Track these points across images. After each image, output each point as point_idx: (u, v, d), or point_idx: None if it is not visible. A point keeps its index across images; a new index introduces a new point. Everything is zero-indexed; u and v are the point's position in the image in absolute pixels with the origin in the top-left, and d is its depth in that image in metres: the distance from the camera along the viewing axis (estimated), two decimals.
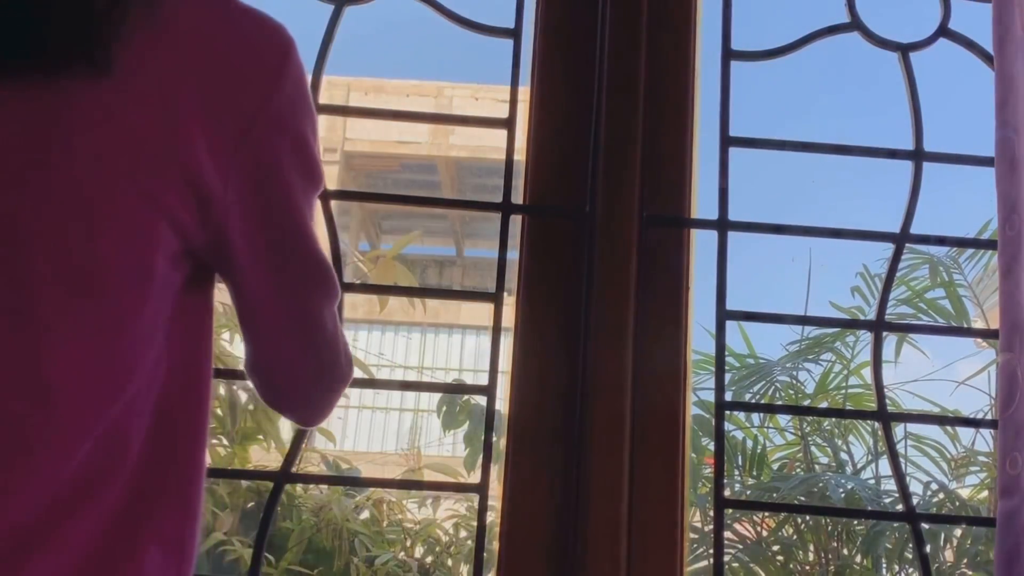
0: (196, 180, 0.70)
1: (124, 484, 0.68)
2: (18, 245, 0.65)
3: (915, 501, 2.00)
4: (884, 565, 2.90)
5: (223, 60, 0.72)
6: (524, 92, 1.37)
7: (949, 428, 3.12)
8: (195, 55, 0.71)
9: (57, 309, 0.65)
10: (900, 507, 1.73)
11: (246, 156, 0.72)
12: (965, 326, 3.10)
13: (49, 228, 0.66)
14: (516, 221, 1.34)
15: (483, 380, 1.28)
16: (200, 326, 0.76)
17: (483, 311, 1.34)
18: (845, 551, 2.95)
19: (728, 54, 1.41)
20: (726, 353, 1.37)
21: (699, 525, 2.91)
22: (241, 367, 0.89)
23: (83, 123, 0.67)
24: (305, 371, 0.86)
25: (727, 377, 2.58)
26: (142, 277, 0.69)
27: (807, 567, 2.97)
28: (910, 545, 2.73)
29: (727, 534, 2.95)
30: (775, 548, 2.98)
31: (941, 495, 2.93)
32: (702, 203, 1.37)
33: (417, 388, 2.10)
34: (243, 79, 0.73)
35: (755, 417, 3.25)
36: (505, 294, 1.31)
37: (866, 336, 3.07)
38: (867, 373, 3.08)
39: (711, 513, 1.33)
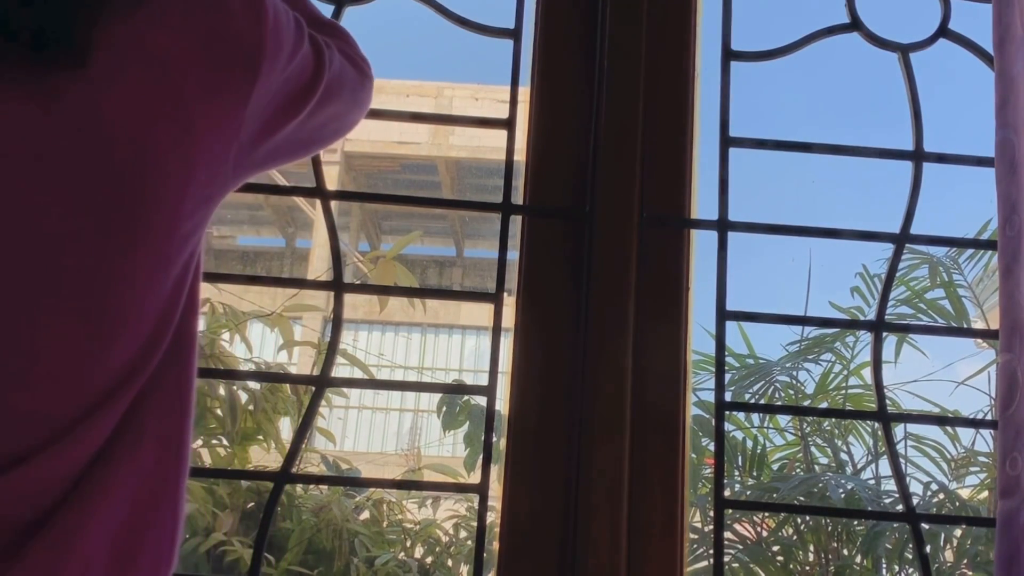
0: (208, 157, 0.73)
1: (143, 383, 0.71)
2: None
3: (915, 501, 2.00)
4: (884, 565, 2.90)
5: (209, 31, 0.74)
6: (524, 92, 1.37)
7: (949, 428, 3.12)
8: (183, 30, 0.73)
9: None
10: (900, 507, 1.73)
11: (253, 114, 0.76)
12: (965, 326, 3.10)
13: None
14: (516, 221, 1.34)
15: (483, 380, 1.28)
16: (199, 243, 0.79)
17: (483, 311, 1.34)
18: (845, 551, 2.95)
19: (728, 54, 1.41)
20: (726, 353, 1.37)
21: (699, 525, 2.91)
22: (240, 367, 0.90)
23: (92, 110, 0.67)
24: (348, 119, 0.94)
25: (727, 377, 2.57)
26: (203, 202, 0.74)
27: (807, 567, 2.97)
28: (910, 545, 2.73)
29: (727, 534, 2.95)
30: (775, 548, 2.98)
31: (941, 495, 2.94)
32: (702, 203, 1.37)
33: (417, 388, 2.11)
34: (232, 46, 0.75)
35: (755, 417, 3.26)
36: (505, 294, 1.31)
37: (866, 336, 3.08)
38: (867, 373, 3.09)
39: (711, 513, 1.33)
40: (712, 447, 1.70)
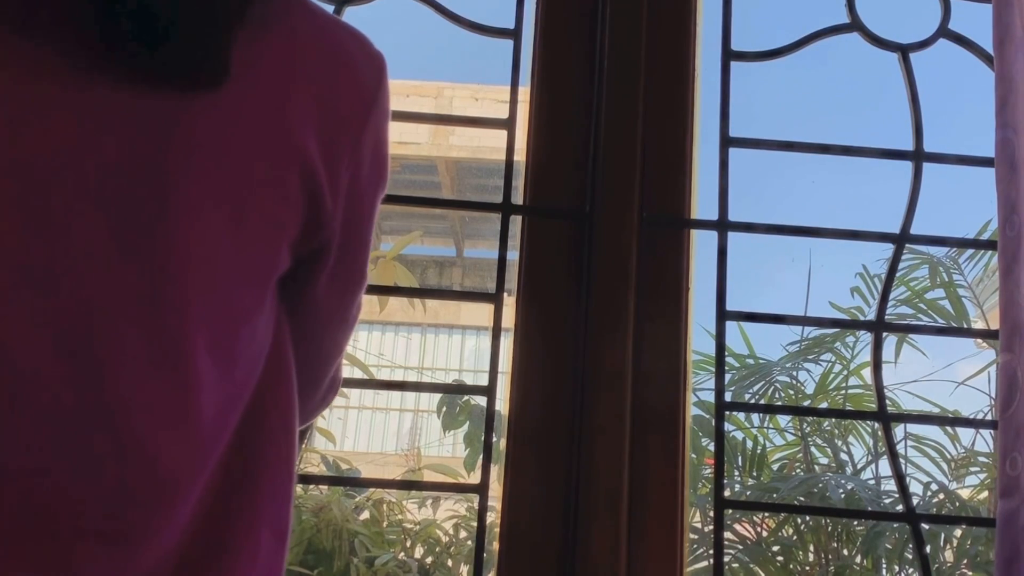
0: (314, 189, 0.70)
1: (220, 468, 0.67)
2: (163, 232, 0.63)
3: (915, 501, 2.00)
4: (884, 566, 2.90)
5: (331, 71, 0.73)
6: (524, 92, 1.37)
7: (949, 428, 3.11)
8: (304, 64, 0.71)
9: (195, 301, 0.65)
10: (900, 507, 1.73)
11: (351, 166, 0.73)
12: (965, 326, 3.10)
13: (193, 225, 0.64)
14: (516, 221, 1.34)
15: (483, 380, 1.28)
16: (280, 311, 0.75)
17: (483, 311, 1.34)
18: (845, 552, 2.95)
19: (728, 54, 1.41)
20: (726, 353, 1.37)
21: (699, 525, 2.90)
22: None
23: (209, 126, 0.65)
24: (324, 371, 0.86)
25: (727, 377, 2.57)
26: (273, 270, 0.70)
27: (807, 568, 2.97)
28: (910, 545, 2.73)
29: (727, 534, 2.95)
30: (775, 549, 2.97)
31: (941, 495, 2.93)
32: (702, 203, 1.37)
33: (417, 388, 2.09)
34: (351, 90, 0.74)
35: (755, 417, 3.25)
36: (505, 294, 1.31)
37: (866, 336, 3.07)
38: (867, 373, 3.08)
39: (711, 513, 1.33)
40: (712, 447, 1.70)
